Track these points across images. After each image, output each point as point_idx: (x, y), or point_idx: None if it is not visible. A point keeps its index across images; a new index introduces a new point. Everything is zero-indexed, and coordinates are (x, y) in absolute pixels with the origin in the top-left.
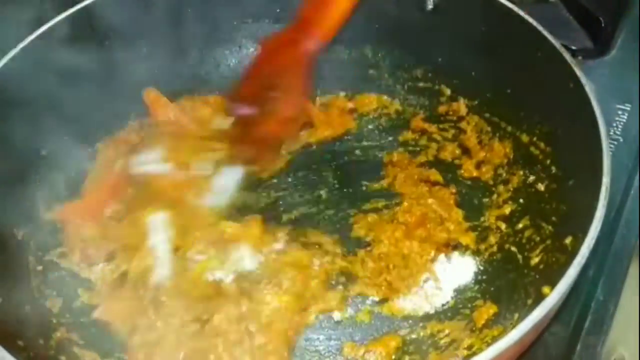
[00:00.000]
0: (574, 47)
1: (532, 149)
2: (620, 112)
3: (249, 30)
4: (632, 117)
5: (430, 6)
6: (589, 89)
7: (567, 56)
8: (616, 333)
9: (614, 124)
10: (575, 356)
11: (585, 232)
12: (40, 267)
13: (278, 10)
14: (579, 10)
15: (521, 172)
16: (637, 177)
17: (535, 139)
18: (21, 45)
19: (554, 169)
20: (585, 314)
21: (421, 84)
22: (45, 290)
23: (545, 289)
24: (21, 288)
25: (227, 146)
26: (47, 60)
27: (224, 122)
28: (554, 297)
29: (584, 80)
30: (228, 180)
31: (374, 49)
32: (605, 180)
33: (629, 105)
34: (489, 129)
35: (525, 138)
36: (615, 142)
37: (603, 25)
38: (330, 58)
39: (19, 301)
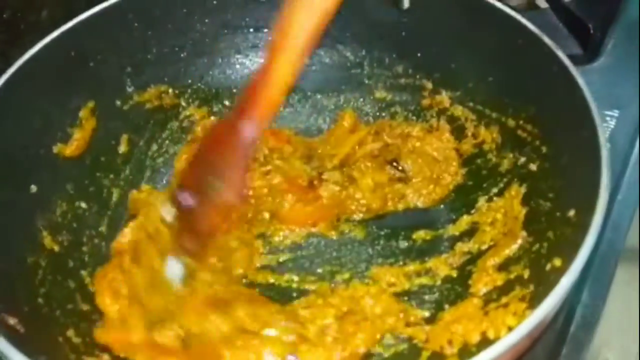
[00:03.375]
0: None
1: (519, 132)
2: (608, 119)
3: (230, 41)
4: (620, 123)
5: (406, 5)
6: (573, 69)
7: (548, 40)
8: (602, 337)
9: None
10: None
11: (589, 203)
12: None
13: (257, 20)
14: (568, 16)
15: (511, 155)
16: (624, 182)
17: (521, 122)
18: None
19: (544, 148)
20: (570, 319)
21: (402, 81)
22: None
23: (556, 261)
24: None
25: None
26: (34, 82)
27: (170, 212)
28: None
29: (566, 61)
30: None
31: (354, 50)
32: (604, 152)
33: (617, 112)
34: (474, 117)
35: (511, 122)
36: None
37: (592, 31)
38: (314, 62)
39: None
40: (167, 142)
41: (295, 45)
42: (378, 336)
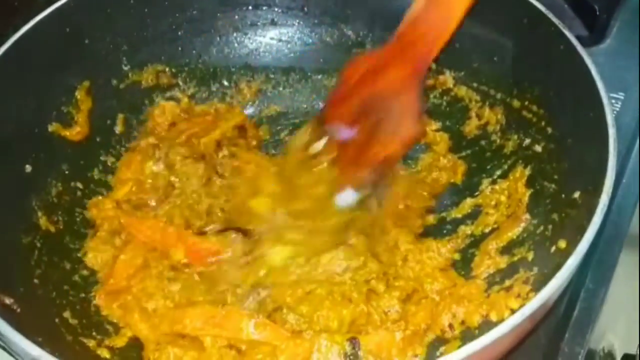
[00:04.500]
0: None
1: (524, 113)
2: (613, 101)
3: (229, 19)
4: (626, 105)
5: None
6: (580, 48)
7: (554, 19)
8: (605, 321)
9: None
10: (564, 344)
11: (595, 184)
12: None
13: None
14: None
15: (516, 137)
16: (629, 165)
17: (527, 103)
18: (6, 45)
19: (549, 129)
20: (574, 302)
21: None
22: None
23: (561, 243)
24: None
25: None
26: (28, 60)
27: (318, 145)
28: (580, 249)
29: (574, 40)
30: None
31: (355, 29)
32: (612, 131)
33: (623, 94)
34: (477, 98)
35: (516, 103)
36: None
37: (598, 13)
38: (314, 41)
39: None
40: None
41: None
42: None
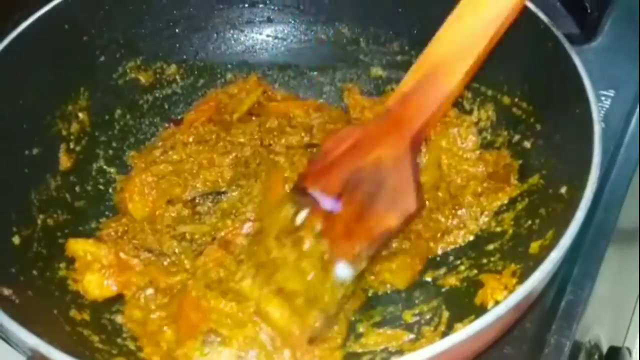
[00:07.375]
0: None
1: (514, 109)
2: (603, 98)
3: (225, 16)
4: (616, 103)
5: None
6: (568, 46)
7: (543, 16)
8: (592, 314)
9: None
10: (551, 335)
11: (581, 179)
12: None
13: None
14: None
15: (505, 133)
16: (618, 162)
17: (516, 99)
18: (5, 42)
19: (538, 126)
20: (561, 295)
21: (399, 58)
22: None
23: (548, 237)
24: None
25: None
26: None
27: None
28: (564, 243)
29: (562, 38)
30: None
31: (350, 26)
32: (597, 127)
33: (613, 92)
34: (469, 95)
35: (506, 100)
36: None
37: (589, 11)
38: (310, 38)
39: None
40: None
41: (469, 58)
42: None
